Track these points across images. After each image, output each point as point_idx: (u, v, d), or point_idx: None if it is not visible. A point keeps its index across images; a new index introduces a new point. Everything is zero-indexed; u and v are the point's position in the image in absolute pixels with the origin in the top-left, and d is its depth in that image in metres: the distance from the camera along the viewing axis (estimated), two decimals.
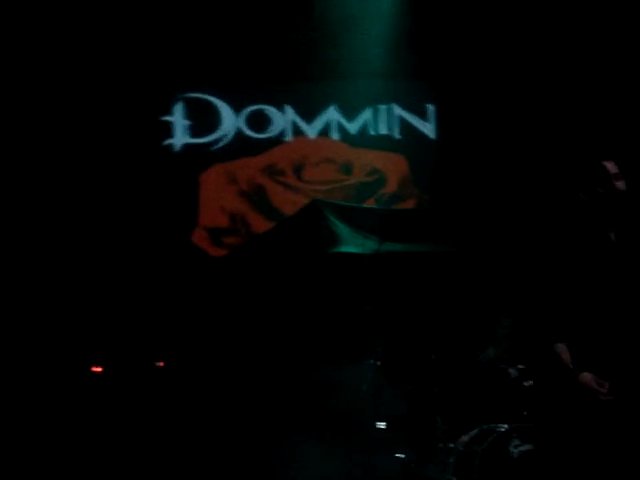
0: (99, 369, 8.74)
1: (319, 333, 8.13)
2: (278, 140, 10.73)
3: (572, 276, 4.79)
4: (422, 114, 10.87)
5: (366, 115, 10.80)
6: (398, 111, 10.86)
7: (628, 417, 4.62)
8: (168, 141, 10.45)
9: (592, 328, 4.73)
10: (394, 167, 10.75)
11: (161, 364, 8.72)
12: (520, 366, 6.99)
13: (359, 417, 7.47)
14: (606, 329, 4.70)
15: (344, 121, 10.74)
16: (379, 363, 7.21)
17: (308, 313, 8.14)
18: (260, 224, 10.29)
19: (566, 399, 4.74)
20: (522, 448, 6.49)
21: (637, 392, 4.64)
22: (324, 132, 10.76)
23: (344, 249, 7.83)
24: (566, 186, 5.07)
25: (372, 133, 10.82)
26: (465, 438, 6.86)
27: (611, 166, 4.84)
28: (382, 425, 7.30)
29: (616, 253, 4.81)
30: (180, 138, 10.49)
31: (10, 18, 9.49)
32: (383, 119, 10.84)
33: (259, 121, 10.69)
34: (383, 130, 10.84)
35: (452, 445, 6.97)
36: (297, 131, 10.75)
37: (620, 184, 4.80)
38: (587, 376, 4.64)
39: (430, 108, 10.88)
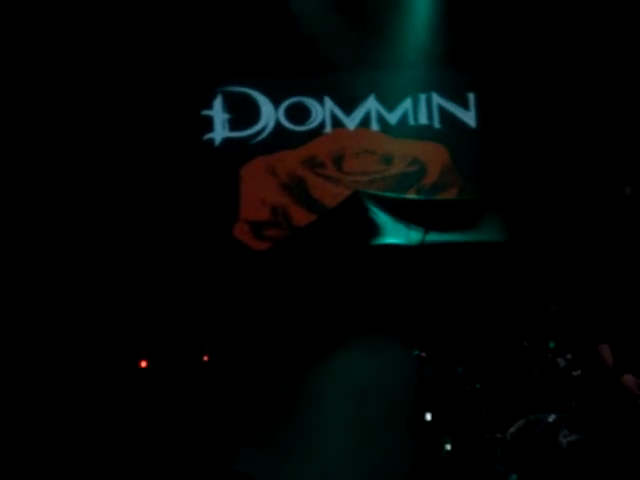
0: (144, 364, 8.80)
1: (364, 323, 8.12)
2: (317, 132, 10.69)
3: (616, 277, 4.74)
4: (462, 103, 10.77)
5: (406, 105, 10.72)
6: (438, 100, 10.78)
7: None
8: (208, 135, 10.48)
9: (635, 330, 4.69)
10: (435, 157, 10.67)
11: (205, 358, 8.76)
12: (568, 356, 6.94)
13: (406, 408, 7.48)
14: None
15: (384, 111, 10.68)
16: (424, 354, 7.18)
17: (352, 304, 8.13)
18: (302, 217, 10.27)
19: (609, 398, 4.72)
20: (571, 438, 6.44)
21: None
22: (363, 123, 10.69)
23: (388, 240, 7.80)
24: (611, 181, 5.00)
25: (412, 123, 10.73)
26: (512, 429, 6.83)
27: None
28: (429, 416, 7.27)
29: None
30: (220, 132, 10.51)
31: (45, 15, 9.56)
32: (423, 108, 10.76)
33: (298, 113, 10.67)
34: (423, 120, 10.76)
35: (499, 435, 6.94)
36: (336, 122, 10.69)
37: None
38: (628, 378, 4.61)
39: (470, 97, 10.78)
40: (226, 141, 10.53)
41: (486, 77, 10.64)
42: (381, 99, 10.65)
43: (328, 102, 10.67)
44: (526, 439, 6.52)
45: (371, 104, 10.66)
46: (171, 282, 9.46)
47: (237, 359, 8.69)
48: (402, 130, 10.69)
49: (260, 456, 7.81)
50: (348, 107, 10.68)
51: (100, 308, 9.17)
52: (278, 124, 10.61)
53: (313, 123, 10.68)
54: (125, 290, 9.34)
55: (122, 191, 9.72)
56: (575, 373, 6.86)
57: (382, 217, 8.02)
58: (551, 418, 6.57)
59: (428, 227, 7.38)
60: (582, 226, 7.26)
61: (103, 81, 9.80)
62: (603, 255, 4.83)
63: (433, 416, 7.26)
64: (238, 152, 10.52)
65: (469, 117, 10.75)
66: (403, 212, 8.09)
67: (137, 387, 8.56)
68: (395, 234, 7.86)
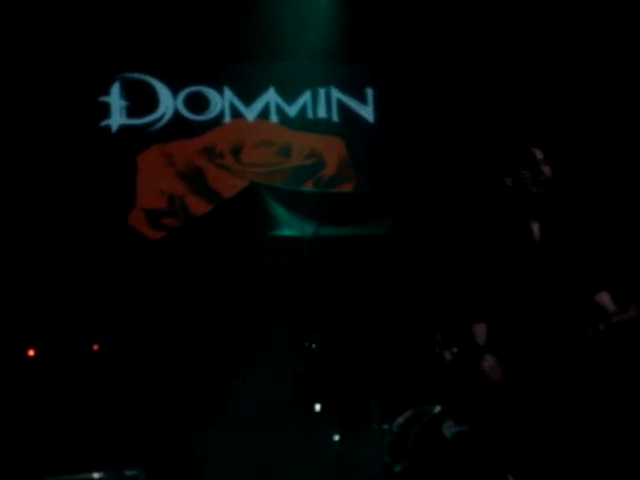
0: (32, 352, 8.65)
1: (257, 316, 8.13)
2: (216, 122, 10.69)
3: (491, 260, 4.91)
4: (361, 97, 10.93)
5: (305, 98, 10.83)
6: (337, 94, 10.91)
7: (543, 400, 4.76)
8: (105, 122, 10.34)
9: (508, 311, 4.86)
10: (332, 150, 10.80)
11: (96, 347, 8.66)
12: (454, 349, 7.10)
13: (295, 399, 7.53)
14: (520, 313, 4.84)
15: (283, 103, 10.75)
16: (314, 346, 7.26)
17: (246, 296, 8.13)
18: (198, 206, 10.24)
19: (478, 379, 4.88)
20: (455, 429, 6.60)
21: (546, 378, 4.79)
22: (263, 114, 10.75)
23: (283, 232, 7.83)
24: (494, 170, 5.16)
25: (311, 116, 10.85)
26: (399, 420, 6.96)
27: (538, 152, 4.95)
28: (318, 406, 7.35)
29: (534, 242, 4.92)
30: (117, 119, 10.38)
31: None
32: (322, 102, 10.87)
33: (197, 102, 10.63)
34: (322, 113, 10.87)
35: (386, 426, 7.06)
36: (235, 113, 10.71)
37: (547, 169, 4.90)
38: (488, 359, 4.78)
39: (369, 92, 10.95)
40: (123, 128, 10.40)
41: (385, 73, 10.80)
42: (281, 91, 10.72)
43: (227, 92, 10.66)
44: (412, 430, 6.65)
45: (270, 96, 10.70)
46: (64, 269, 9.32)
47: (129, 348, 8.60)
48: (301, 123, 10.79)
49: (148, 442, 7.76)
50: (247, 98, 10.70)
51: None
52: (176, 113, 10.55)
53: (212, 113, 10.66)
54: (16, 276, 9.16)
55: (16, 176, 9.51)
56: (460, 366, 7.03)
57: (277, 209, 8.04)
58: (436, 410, 6.71)
59: (322, 220, 7.46)
60: (465, 212, 7.44)
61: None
62: (480, 240, 4.99)
63: (322, 407, 7.35)
64: (135, 139, 10.42)
65: (367, 112, 10.91)
66: (298, 205, 8.13)
67: (24, 375, 8.41)
68: (290, 226, 7.90)
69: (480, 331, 4.86)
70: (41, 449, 7.79)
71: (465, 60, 10.29)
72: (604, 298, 4.91)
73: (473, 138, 10.01)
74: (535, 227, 4.95)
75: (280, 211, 8.07)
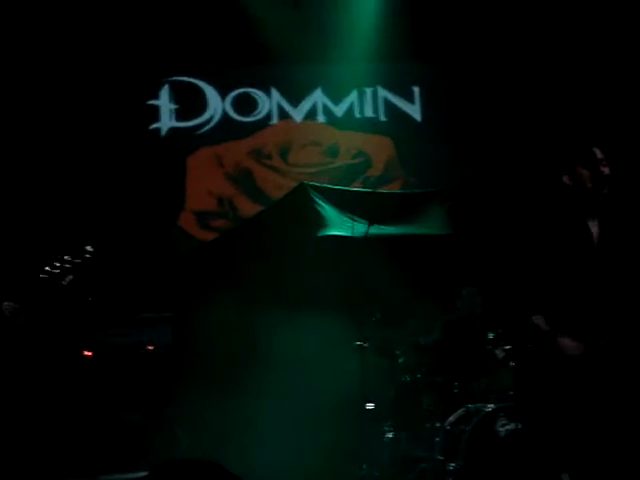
0: (89, 353, 8.76)
1: (308, 315, 8.17)
2: (264, 123, 10.76)
3: (550, 258, 4.90)
4: (408, 96, 10.92)
5: (352, 97, 10.85)
6: (383, 93, 10.92)
7: (608, 388, 4.74)
8: (155, 125, 10.46)
9: (568, 301, 4.85)
10: (380, 149, 10.81)
11: (150, 348, 8.75)
12: (506, 347, 7.08)
13: (348, 398, 7.56)
14: (581, 304, 4.82)
15: (330, 104, 10.78)
16: (367, 345, 7.28)
17: (298, 295, 8.17)
18: (247, 207, 10.33)
19: (547, 369, 4.86)
20: (508, 427, 6.58)
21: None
22: (310, 115, 10.80)
23: (333, 232, 7.86)
24: (551, 168, 5.15)
25: (358, 115, 10.86)
26: (452, 418, 6.96)
27: (598, 151, 4.94)
28: (371, 406, 7.37)
29: (592, 241, 4.91)
30: (167, 122, 10.51)
31: None
32: (369, 101, 10.88)
33: (245, 104, 10.72)
34: (369, 112, 10.89)
35: (439, 425, 7.07)
36: (283, 114, 10.77)
37: (606, 169, 4.89)
38: (565, 340, 4.77)
39: (415, 90, 10.93)
40: (172, 131, 10.53)
41: (431, 71, 10.77)
42: (327, 92, 10.76)
43: (275, 94, 10.73)
44: (464, 428, 6.65)
45: (317, 96, 10.75)
46: (117, 271, 9.43)
47: (182, 347, 8.69)
48: (348, 122, 10.81)
49: (202, 441, 7.83)
50: (295, 99, 10.76)
51: (42, 295, 9.07)
52: (225, 114, 10.65)
53: (260, 114, 10.73)
54: (70, 277, 9.25)
55: (66, 181, 9.65)
56: (512, 364, 7.01)
57: (327, 209, 8.08)
58: (489, 408, 6.69)
59: (372, 220, 7.48)
60: (520, 210, 7.40)
61: (48, 71, 9.73)
62: (536, 237, 4.99)
63: (375, 405, 7.36)
64: (184, 142, 10.54)
65: (414, 110, 10.88)
66: (348, 204, 8.15)
67: (81, 376, 8.52)
68: (340, 226, 7.92)
69: (541, 320, 4.86)
70: (93, 447, 7.90)
71: (517, 55, 10.23)
72: None
73: (525, 136, 9.95)
74: (593, 226, 4.94)
75: (329, 211, 8.10)
